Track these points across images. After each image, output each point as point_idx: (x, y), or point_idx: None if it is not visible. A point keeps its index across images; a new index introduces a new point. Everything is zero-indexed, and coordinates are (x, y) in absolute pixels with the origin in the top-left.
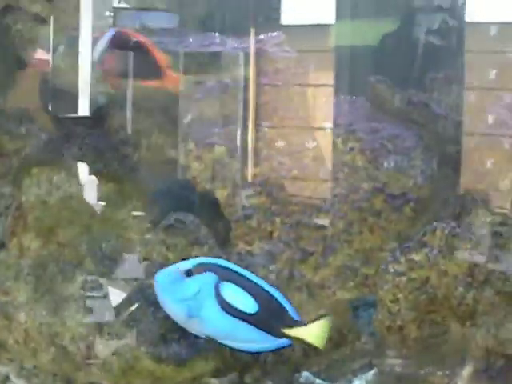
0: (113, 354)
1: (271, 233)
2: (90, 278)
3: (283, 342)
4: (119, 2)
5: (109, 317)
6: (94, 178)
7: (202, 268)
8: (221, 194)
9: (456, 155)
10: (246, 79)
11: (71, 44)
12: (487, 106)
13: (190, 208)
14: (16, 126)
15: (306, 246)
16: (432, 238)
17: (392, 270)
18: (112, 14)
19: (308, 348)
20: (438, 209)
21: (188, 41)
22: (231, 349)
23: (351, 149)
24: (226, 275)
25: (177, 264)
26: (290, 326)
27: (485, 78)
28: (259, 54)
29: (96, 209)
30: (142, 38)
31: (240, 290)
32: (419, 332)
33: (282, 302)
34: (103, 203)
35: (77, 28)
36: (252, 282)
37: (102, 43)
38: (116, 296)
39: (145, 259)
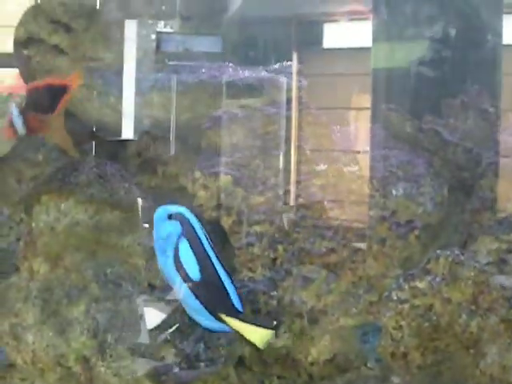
0: (114, 375)
1: (274, 260)
2: None
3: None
4: (164, 27)
5: (144, 339)
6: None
7: (177, 217)
8: (226, 222)
9: (469, 182)
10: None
11: (88, 75)
12: None
13: None
14: (34, 153)
15: (308, 273)
16: (435, 265)
17: (395, 298)
18: (156, 38)
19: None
20: (448, 236)
21: (199, 71)
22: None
23: (358, 176)
24: (189, 234)
25: (171, 205)
26: (231, 315)
27: None
28: (271, 82)
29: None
30: (35, 84)
31: (191, 254)
32: (423, 359)
33: (228, 288)
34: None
35: (95, 58)
36: (206, 254)
37: (17, 121)
38: (154, 317)
39: (149, 285)
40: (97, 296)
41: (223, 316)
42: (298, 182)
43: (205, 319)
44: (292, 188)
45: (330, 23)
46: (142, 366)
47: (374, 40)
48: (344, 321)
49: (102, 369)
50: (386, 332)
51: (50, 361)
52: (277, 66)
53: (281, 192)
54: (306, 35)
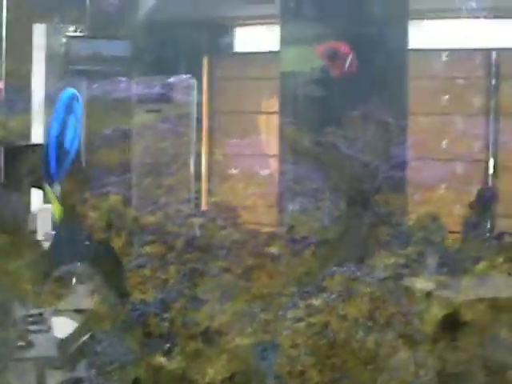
0: None
1: (166, 281)
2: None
3: None
4: (76, 31)
5: (51, 351)
6: (48, 206)
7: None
8: (116, 243)
9: (367, 195)
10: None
11: None
12: (439, 130)
13: (87, 257)
14: None
15: (200, 294)
16: (331, 282)
17: (291, 316)
18: (65, 42)
19: None
20: (348, 250)
21: (92, 87)
22: None
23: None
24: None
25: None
26: (46, 181)
27: (436, 103)
28: (164, 98)
29: (50, 238)
30: None
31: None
32: (320, 377)
33: (50, 155)
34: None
35: None
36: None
37: None
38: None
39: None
40: None
41: (44, 182)
42: (189, 200)
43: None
44: (203, 196)
45: (241, 27)
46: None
47: (281, 44)
48: (240, 340)
49: None
50: (283, 350)
51: None
52: (172, 79)
53: (172, 211)
54: (217, 39)
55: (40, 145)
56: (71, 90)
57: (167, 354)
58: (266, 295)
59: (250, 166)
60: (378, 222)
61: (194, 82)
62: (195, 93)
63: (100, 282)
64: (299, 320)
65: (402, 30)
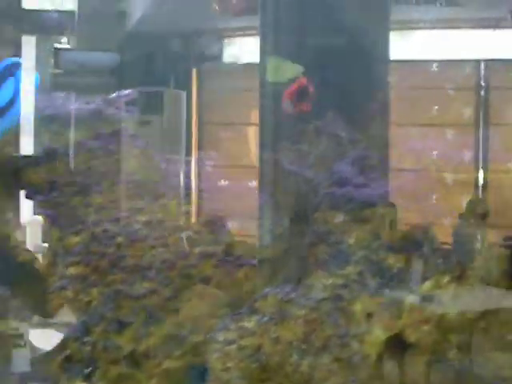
0: None
1: (89, 303)
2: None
3: None
4: (68, 43)
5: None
6: (38, 217)
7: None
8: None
9: (309, 213)
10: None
11: None
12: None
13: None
14: None
15: (124, 317)
16: (264, 304)
17: (222, 339)
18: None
19: None
20: (291, 269)
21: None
22: None
23: (186, 212)
24: None
25: None
26: None
27: (425, 113)
28: (99, 115)
29: (40, 250)
30: None
31: None
32: None
33: None
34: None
35: None
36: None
37: None
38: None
39: None
40: None
41: None
42: (118, 219)
43: None
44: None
45: (229, 38)
46: None
47: (261, 55)
48: (168, 363)
49: None
50: (214, 373)
51: None
52: (114, 95)
53: (99, 230)
54: (206, 51)
55: (29, 156)
56: (15, 59)
57: (87, 378)
58: (196, 317)
59: (239, 177)
60: (317, 240)
61: (183, 93)
62: (184, 105)
63: (18, 304)
64: (230, 343)
65: (383, 41)
